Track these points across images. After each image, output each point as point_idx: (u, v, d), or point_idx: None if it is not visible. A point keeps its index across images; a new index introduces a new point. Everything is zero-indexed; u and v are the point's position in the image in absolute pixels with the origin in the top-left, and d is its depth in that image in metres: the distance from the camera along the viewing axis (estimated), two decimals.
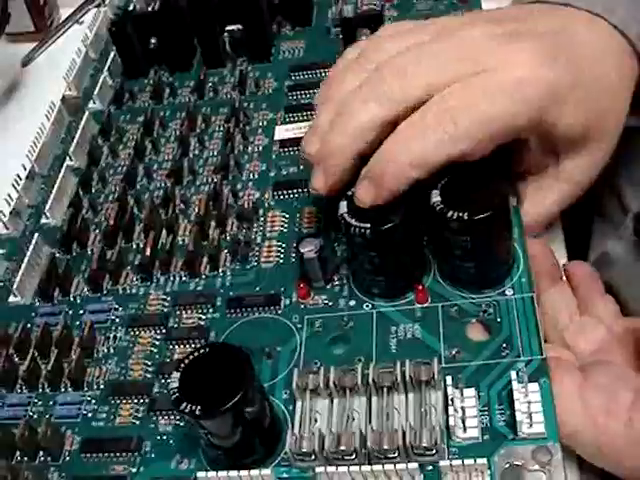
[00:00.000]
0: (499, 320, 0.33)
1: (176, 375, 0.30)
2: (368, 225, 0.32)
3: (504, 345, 0.32)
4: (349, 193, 0.34)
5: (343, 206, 0.34)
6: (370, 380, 0.31)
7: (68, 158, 0.46)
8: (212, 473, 0.30)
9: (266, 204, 0.42)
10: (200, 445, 0.32)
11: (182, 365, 0.30)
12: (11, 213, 0.44)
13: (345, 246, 0.38)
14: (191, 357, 0.30)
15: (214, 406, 0.28)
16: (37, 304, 0.40)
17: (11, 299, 0.41)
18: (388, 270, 0.34)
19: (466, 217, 0.31)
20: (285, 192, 0.42)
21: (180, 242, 0.41)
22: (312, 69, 0.48)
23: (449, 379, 0.31)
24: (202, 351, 0.30)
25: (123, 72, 0.52)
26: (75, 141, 0.46)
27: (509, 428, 0.30)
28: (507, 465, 0.29)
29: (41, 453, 0.34)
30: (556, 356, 0.33)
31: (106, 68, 0.51)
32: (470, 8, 0.50)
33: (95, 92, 0.50)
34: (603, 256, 0.43)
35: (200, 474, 0.30)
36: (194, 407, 0.29)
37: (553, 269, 0.37)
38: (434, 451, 0.29)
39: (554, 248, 0.39)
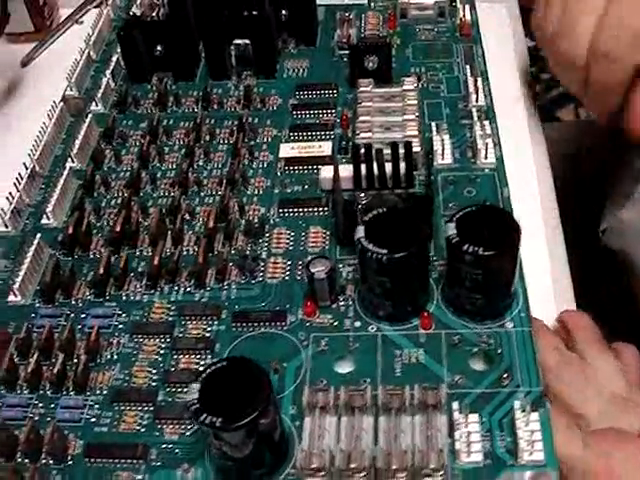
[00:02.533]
0: (500, 351, 0.35)
1: (196, 386, 0.30)
2: (385, 251, 0.34)
3: (505, 375, 0.34)
4: (366, 218, 0.35)
5: (360, 231, 0.35)
6: (379, 401, 0.32)
7: (70, 160, 0.46)
8: None
9: (271, 220, 0.43)
10: (208, 456, 0.33)
11: (202, 377, 0.31)
12: (12, 212, 0.43)
13: (351, 268, 0.39)
14: (210, 369, 0.31)
15: (234, 419, 0.29)
16: (37, 305, 0.40)
17: (10, 298, 0.40)
18: (397, 295, 0.36)
19: (481, 252, 0.33)
20: (291, 210, 0.43)
21: (185, 252, 0.41)
22: (317, 89, 0.50)
23: (455, 404, 0.32)
24: (221, 364, 0.31)
25: (126, 76, 0.52)
26: (78, 143, 0.47)
27: (509, 454, 0.31)
28: None
29: (43, 456, 0.34)
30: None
31: (109, 71, 0.51)
32: (470, 42, 0.52)
33: (99, 95, 0.50)
34: (615, 224, 0.44)
35: None
36: (214, 419, 0.29)
37: (600, 338, 0.39)
38: (441, 472, 0.30)
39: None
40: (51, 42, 0.58)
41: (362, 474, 0.31)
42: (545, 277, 0.43)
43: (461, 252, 0.33)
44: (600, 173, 0.59)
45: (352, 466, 0.31)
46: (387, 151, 0.41)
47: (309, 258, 0.39)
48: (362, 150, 0.41)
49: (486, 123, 0.45)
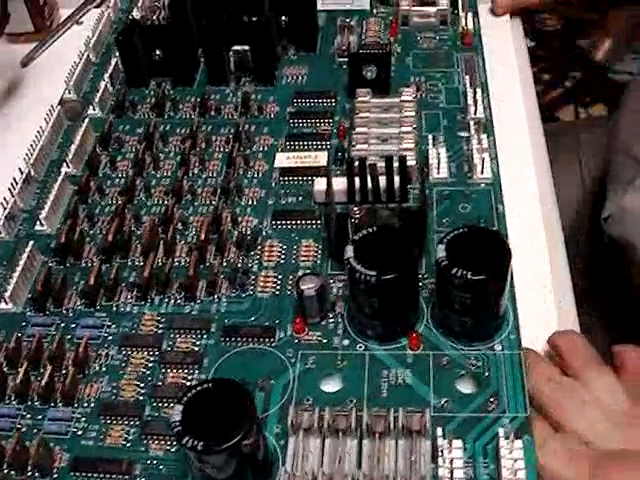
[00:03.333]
0: (487, 374, 0.35)
1: (179, 408, 0.30)
2: (373, 273, 0.34)
3: (491, 399, 0.34)
4: (356, 237, 0.35)
5: (349, 250, 0.35)
6: (364, 424, 0.32)
7: (65, 165, 0.46)
8: None
9: (264, 232, 0.42)
10: (191, 473, 0.33)
11: (185, 398, 0.31)
12: (6, 217, 0.43)
13: (342, 284, 0.39)
14: (194, 391, 0.31)
15: (216, 443, 0.29)
16: (29, 313, 0.40)
17: (1, 306, 0.40)
18: (386, 316, 0.35)
19: (470, 276, 0.33)
20: (284, 222, 0.42)
21: (177, 263, 0.41)
22: (316, 97, 0.49)
23: (439, 430, 0.32)
24: (205, 385, 0.31)
25: (124, 80, 0.52)
26: (74, 148, 0.46)
27: None
28: None
29: (29, 468, 0.34)
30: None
31: (108, 75, 0.51)
32: (471, 52, 0.52)
33: (96, 99, 0.50)
34: (617, 211, 0.44)
35: None
36: (196, 442, 0.29)
37: (595, 356, 0.38)
38: None
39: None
40: (51, 42, 0.57)
41: None
42: (545, 277, 0.43)
43: (450, 275, 0.33)
44: (600, 172, 0.59)
45: None
46: (382, 164, 0.41)
47: (299, 274, 0.39)
48: (356, 164, 0.40)
49: (484, 137, 0.45)
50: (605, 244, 0.54)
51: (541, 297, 0.42)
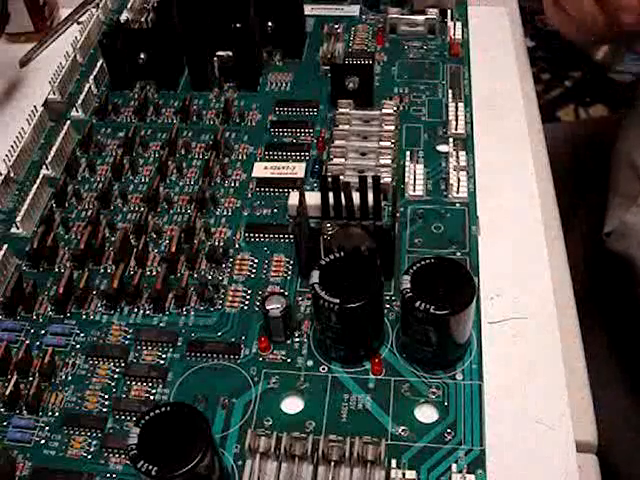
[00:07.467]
0: (446, 404, 0.35)
1: (136, 431, 0.31)
2: (337, 301, 0.34)
3: (448, 430, 0.34)
4: (322, 262, 0.35)
5: (315, 276, 0.35)
6: (320, 451, 0.33)
7: (44, 167, 0.46)
8: None
9: (236, 245, 0.42)
10: None
11: (142, 422, 0.31)
12: None
13: (310, 302, 0.39)
14: (151, 415, 0.31)
15: (170, 469, 0.30)
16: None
17: None
18: (349, 341, 0.36)
19: (432, 310, 0.33)
20: (257, 235, 0.43)
21: (148, 272, 0.41)
22: (298, 106, 0.49)
23: (394, 462, 0.32)
24: (163, 409, 0.31)
25: (109, 83, 0.52)
26: (54, 150, 0.46)
27: None
28: None
29: None
30: None
31: (92, 76, 0.51)
32: (458, 63, 0.52)
33: (79, 100, 0.50)
34: (620, 227, 0.44)
35: None
36: (150, 467, 0.30)
37: None
38: None
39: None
40: (50, 42, 0.57)
41: None
42: (545, 279, 0.42)
43: (413, 308, 0.33)
44: (601, 172, 0.58)
45: None
46: (356, 180, 0.40)
47: (269, 289, 0.40)
48: (329, 180, 0.40)
49: (462, 154, 0.45)
50: (604, 256, 0.53)
51: (541, 298, 0.41)
